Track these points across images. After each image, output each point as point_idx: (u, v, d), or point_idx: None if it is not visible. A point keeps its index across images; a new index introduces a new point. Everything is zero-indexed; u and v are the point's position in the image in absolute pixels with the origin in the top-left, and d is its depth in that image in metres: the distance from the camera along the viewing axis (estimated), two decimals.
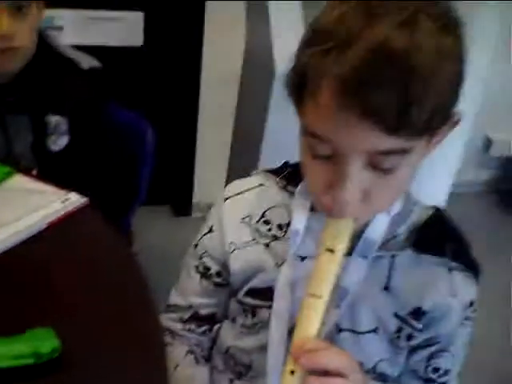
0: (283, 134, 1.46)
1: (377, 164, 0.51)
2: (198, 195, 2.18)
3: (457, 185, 2.08)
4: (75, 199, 0.91)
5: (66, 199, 0.91)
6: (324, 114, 0.50)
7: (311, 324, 0.54)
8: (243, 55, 1.69)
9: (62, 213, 0.88)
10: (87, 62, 1.12)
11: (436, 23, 0.48)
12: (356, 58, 0.46)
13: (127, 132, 1.24)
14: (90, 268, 0.79)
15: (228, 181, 0.80)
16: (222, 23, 1.83)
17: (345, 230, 0.55)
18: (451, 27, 0.50)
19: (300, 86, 0.52)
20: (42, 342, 0.60)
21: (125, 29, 1.76)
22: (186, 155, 2.09)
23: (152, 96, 1.88)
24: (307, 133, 0.53)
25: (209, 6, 1.78)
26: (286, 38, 1.47)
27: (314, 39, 0.51)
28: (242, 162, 1.69)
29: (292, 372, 0.52)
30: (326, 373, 0.52)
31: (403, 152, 0.50)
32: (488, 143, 2.68)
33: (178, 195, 2.17)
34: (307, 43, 0.52)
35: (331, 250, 0.55)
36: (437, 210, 0.68)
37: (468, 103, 1.82)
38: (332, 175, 0.53)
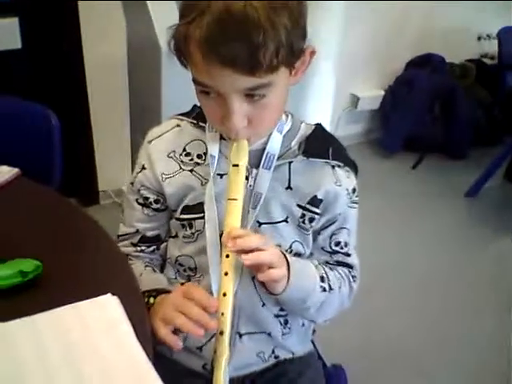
0: (179, 101, 1.58)
1: (250, 97, 0.68)
2: (104, 183, 2.24)
3: None
4: (6, 171, 1.00)
5: None
6: (199, 68, 0.66)
7: (234, 219, 0.73)
8: (127, 41, 1.80)
9: None
10: None
11: None
12: (210, 23, 0.61)
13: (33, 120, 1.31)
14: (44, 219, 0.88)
15: (134, 161, 0.91)
16: (99, 15, 1.93)
17: (242, 149, 0.74)
18: None
19: (180, 50, 0.69)
20: (25, 263, 0.70)
21: (2, 34, 1.80)
22: (84, 146, 2.12)
23: (40, 93, 1.92)
24: (195, 82, 0.70)
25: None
26: (165, 19, 1.62)
27: (184, 13, 0.67)
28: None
29: (227, 256, 0.71)
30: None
31: (266, 85, 0.67)
32: (355, 100, 3.03)
33: (82, 186, 2.20)
34: (181, 17, 0.68)
35: (236, 165, 0.74)
36: (318, 125, 0.89)
37: (328, 62, 2.10)
38: (222, 110, 0.70)
